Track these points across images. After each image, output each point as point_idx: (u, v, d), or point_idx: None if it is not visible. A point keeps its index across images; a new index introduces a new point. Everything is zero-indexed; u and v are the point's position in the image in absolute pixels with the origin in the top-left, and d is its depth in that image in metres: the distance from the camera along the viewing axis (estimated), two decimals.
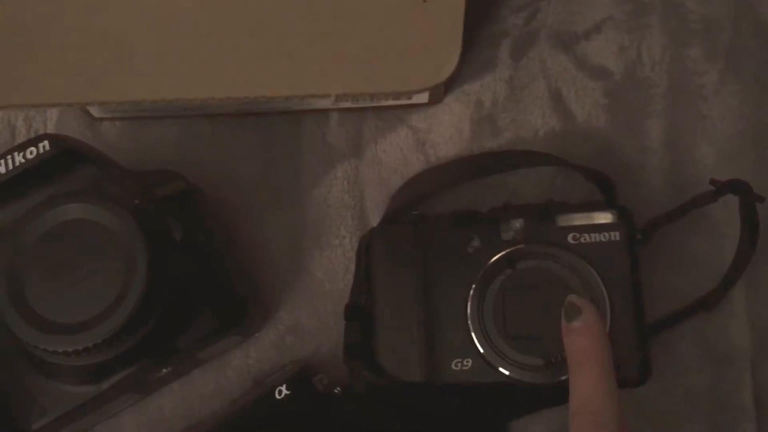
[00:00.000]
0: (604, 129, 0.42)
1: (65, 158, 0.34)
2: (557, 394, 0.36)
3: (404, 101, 0.42)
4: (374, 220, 0.42)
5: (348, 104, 0.41)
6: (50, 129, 0.43)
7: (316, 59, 0.31)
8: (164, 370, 0.37)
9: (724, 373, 0.39)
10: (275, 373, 0.39)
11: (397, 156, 0.42)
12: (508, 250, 0.36)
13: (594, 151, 0.41)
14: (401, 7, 0.32)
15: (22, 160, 0.34)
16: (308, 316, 0.41)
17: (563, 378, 0.34)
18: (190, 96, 0.34)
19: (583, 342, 0.33)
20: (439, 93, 0.42)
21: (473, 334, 0.36)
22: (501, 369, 0.36)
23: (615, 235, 0.36)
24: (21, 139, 0.43)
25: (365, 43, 0.31)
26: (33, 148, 0.34)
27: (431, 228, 0.38)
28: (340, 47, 0.31)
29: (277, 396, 0.37)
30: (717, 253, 0.40)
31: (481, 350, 0.36)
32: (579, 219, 0.37)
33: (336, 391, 0.38)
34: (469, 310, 0.36)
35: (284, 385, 0.37)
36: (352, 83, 0.32)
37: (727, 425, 0.39)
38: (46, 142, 0.34)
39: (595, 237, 0.36)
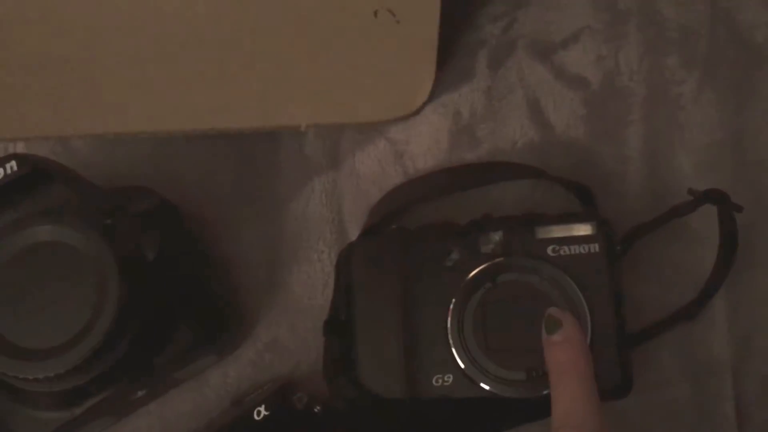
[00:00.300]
0: (582, 139, 0.41)
1: (33, 177, 0.33)
2: (540, 408, 0.35)
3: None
4: (353, 234, 0.41)
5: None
6: (20, 145, 0.42)
7: (285, 88, 0.31)
8: (140, 393, 0.36)
9: (706, 384, 0.39)
10: (254, 392, 0.39)
11: (375, 168, 0.42)
12: (487, 264, 0.36)
13: (573, 162, 0.41)
14: (373, 30, 0.31)
15: None
16: (287, 333, 0.40)
17: (545, 392, 0.34)
18: (155, 128, 0.33)
19: (564, 355, 0.33)
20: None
21: (453, 349, 0.36)
22: (482, 384, 0.35)
23: (594, 247, 0.36)
24: None
25: (336, 70, 0.31)
26: (0, 169, 0.33)
27: (410, 241, 0.37)
28: (310, 74, 0.31)
29: (256, 417, 0.36)
30: (697, 262, 0.40)
31: (462, 365, 0.35)
32: (558, 231, 0.36)
33: (316, 410, 0.37)
34: (449, 325, 0.36)
35: (263, 406, 0.36)
36: (323, 113, 0.31)
37: None
38: (13, 162, 0.33)
39: (575, 249, 0.36)
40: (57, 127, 0.35)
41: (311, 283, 0.41)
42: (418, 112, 0.42)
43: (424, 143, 0.42)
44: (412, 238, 0.37)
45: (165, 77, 0.32)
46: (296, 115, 0.30)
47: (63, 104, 0.34)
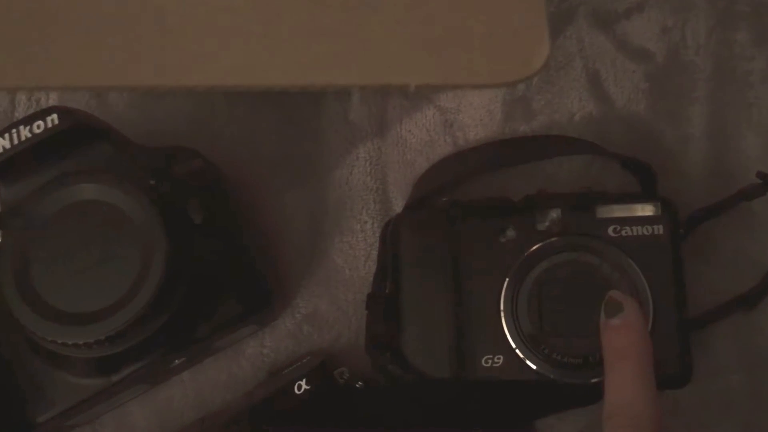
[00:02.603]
0: (643, 115, 0.40)
1: (75, 133, 0.32)
2: (590, 394, 0.34)
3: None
4: (397, 205, 0.40)
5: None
6: (53, 99, 0.40)
7: (392, 45, 0.28)
8: (177, 361, 0.35)
9: (763, 375, 0.38)
10: (291, 365, 0.38)
11: (422, 137, 0.40)
12: (544, 242, 0.35)
13: (633, 139, 0.39)
14: None
15: (29, 135, 0.31)
16: (327, 305, 0.39)
17: (598, 379, 0.33)
18: (207, 83, 0.30)
19: (623, 340, 0.31)
20: None
21: (506, 330, 0.34)
22: (533, 367, 0.34)
23: (658, 229, 0.34)
24: (21, 106, 0.40)
25: (446, 28, 0.28)
26: (41, 122, 0.31)
27: (462, 216, 0.36)
28: (419, 32, 0.28)
29: (297, 391, 0.35)
30: (760, 249, 0.38)
31: (514, 346, 0.34)
32: (620, 210, 0.35)
33: (358, 385, 0.36)
34: (502, 305, 0.34)
35: (304, 380, 0.35)
36: (433, 73, 0.28)
37: (763, 427, 0.38)
38: (54, 116, 0.31)
39: (638, 230, 0.34)
40: (94, 77, 0.32)
41: (353, 254, 0.39)
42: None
43: (476, 113, 0.40)
44: (463, 211, 0.36)
45: (243, 29, 0.30)
46: (404, 74, 0.28)
47: (106, 55, 0.32)
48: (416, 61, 0.28)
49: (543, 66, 0.29)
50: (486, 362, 0.34)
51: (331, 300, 0.39)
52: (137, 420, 0.38)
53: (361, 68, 0.28)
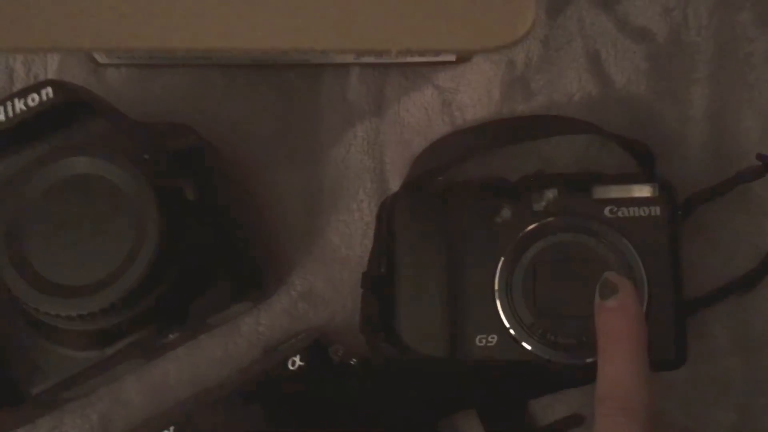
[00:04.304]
0: (644, 96, 0.39)
1: (70, 107, 0.32)
2: (584, 375, 0.34)
3: (430, 58, 0.39)
4: (394, 184, 0.39)
5: (371, 59, 0.39)
6: (51, 74, 0.40)
7: (372, 10, 0.28)
8: (171, 336, 0.35)
9: (759, 358, 0.38)
10: (286, 341, 0.38)
11: (421, 117, 0.40)
12: (540, 222, 0.34)
13: (632, 120, 0.39)
14: None
15: (24, 108, 0.31)
16: (322, 283, 0.39)
17: (593, 360, 0.32)
18: (207, 46, 0.30)
19: (617, 322, 0.31)
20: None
21: (500, 310, 0.34)
22: (528, 347, 0.34)
23: (656, 210, 0.34)
24: (19, 82, 0.40)
25: None
26: (35, 95, 0.31)
27: (458, 196, 0.35)
28: None
29: (291, 367, 0.35)
30: (759, 232, 0.38)
31: (508, 326, 0.34)
32: (617, 191, 0.35)
33: (352, 362, 0.36)
34: (496, 284, 0.34)
35: (298, 356, 0.35)
36: (414, 39, 0.28)
37: (759, 412, 0.37)
38: (49, 89, 0.31)
39: (635, 211, 0.34)
40: (96, 40, 0.32)
41: (349, 232, 0.39)
42: (469, 58, 0.39)
43: (475, 93, 0.40)
44: (460, 191, 0.36)
45: None
46: (386, 39, 0.27)
47: (104, 16, 0.31)
48: (397, 26, 0.28)
49: (528, 32, 0.29)
50: (480, 342, 0.34)
51: (326, 278, 0.39)
52: (132, 395, 0.38)
53: (340, 33, 0.28)
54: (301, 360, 0.35)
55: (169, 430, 0.34)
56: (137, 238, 0.30)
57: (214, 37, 0.29)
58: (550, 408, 0.38)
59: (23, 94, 0.31)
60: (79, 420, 0.38)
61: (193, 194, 0.33)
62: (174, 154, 0.34)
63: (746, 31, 0.39)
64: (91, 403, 0.38)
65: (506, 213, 0.35)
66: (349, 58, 0.38)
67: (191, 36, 0.30)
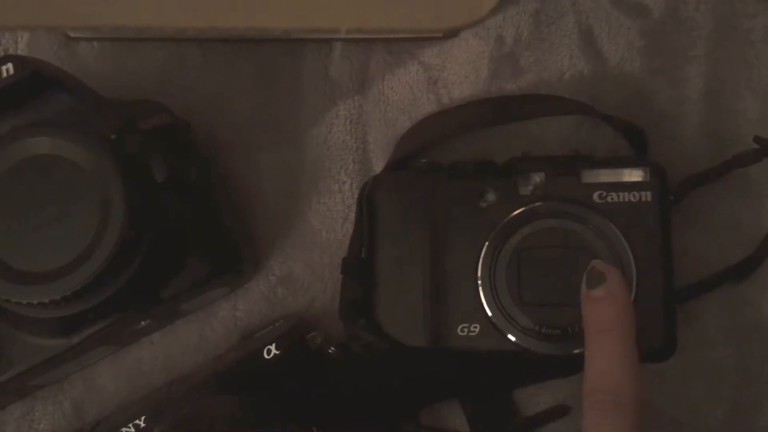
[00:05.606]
0: (638, 74, 0.38)
1: (33, 84, 0.31)
2: (569, 365, 0.33)
3: (415, 34, 0.37)
4: (378, 165, 0.38)
5: (354, 35, 0.37)
6: (21, 48, 0.38)
7: None
8: (143, 323, 0.34)
9: (752, 348, 0.37)
10: (264, 328, 0.36)
11: (405, 95, 0.38)
12: (526, 207, 0.33)
13: (625, 99, 0.38)
14: None
15: None
16: (302, 268, 0.38)
17: (579, 350, 0.31)
18: (177, 24, 0.29)
19: (605, 312, 0.30)
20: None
21: (483, 298, 0.33)
22: (511, 337, 0.33)
23: (646, 196, 0.33)
24: None
25: None
26: None
27: (442, 178, 0.34)
28: None
29: (266, 355, 0.34)
30: (754, 218, 0.37)
31: (491, 315, 0.33)
32: (607, 175, 0.33)
33: (330, 351, 0.35)
34: (479, 271, 0.33)
35: (274, 344, 0.34)
36: (367, 17, 0.26)
37: (751, 403, 0.36)
38: (9, 65, 0.30)
39: (624, 196, 0.33)
40: (64, 17, 0.31)
41: (330, 215, 0.38)
42: (456, 33, 0.38)
43: (462, 70, 0.38)
44: (443, 174, 0.34)
45: None
46: (337, 17, 0.26)
47: None
48: (348, 3, 0.26)
49: (492, 10, 0.27)
50: (462, 331, 0.33)
51: (306, 263, 0.38)
52: (106, 381, 0.37)
53: (289, 10, 0.26)
54: (276, 348, 0.34)
55: (140, 420, 0.33)
56: (102, 222, 0.29)
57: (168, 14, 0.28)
58: (535, 398, 0.37)
59: None
60: (51, 407, 0.37)
61: (162, 175, 0.31)
62: (144, 133, 0.32)
63: (746, 6, 0.38)
64: (64, 390, 0.37)
65: (491, 197, 0.34)
66: (330, 34, 0.37)
67: (158, 14, 0.28)
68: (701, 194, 0.36)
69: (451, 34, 0.38)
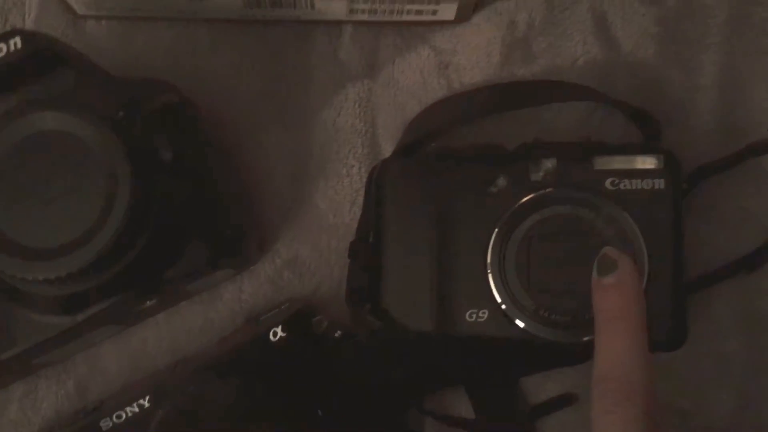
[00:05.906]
0: (652, 62, 0.37)
1: (40, 59, 0.30)
2: (578, 353, 0.33)
3: (427, 17, 0.37)
4: (386, 149, 0.38)
5: (364, 17, 0.37)
6: (29, 25, 0.38)
7: None
8: (148, 303, 0.34)
9: (762, 339, 0.36)
10: (270, 311, 0.36)
11: (416, 79, 0.38)
12: (537, 193, 0.33)
13: (638, 87, 0.37)
14: None
15: None
16: (308, 251, 0.37)
17: (588, 338, 0.31)
18: None
19: (616, 300, 0.29)
20: (468, 10, 0.37)
21: (492, 284, 0.33)
22: (520, 323, 0.32)
23: (659, 183, 0.32)
24: None
25: None
26: (2, 45, 0.29)
27: (452, 163, 0.34)
28: None
29: (272, 338, 0.33)
30: (767, 208, 0.36)
31: (500, 301, 0.33)
32: (619, 162, 0.33)
33: (336, 335, 0.34)
34: (489, 257, 0.33)
35: (280, 327, 0.33)
36: None
37: (760, 393, 0.36)
38: (17, 39, 0.29)
39: (637, 184, 0.32)
40: None
41: (338, 199, 0.38)
42: (468, 17, 0.37)
43: (473, 55, 0.38)
44: (453, 158, 0.34)
45: None
46: None
47: None
48: None
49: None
50: (470, 317, 0.33)
51: (313, 247, 0.37)
52: (109, 362, 0.37)
53: None
54: (282, 331, 0.34)
55: (144, 399, 0.33)
56: (108, 200, 0.28)
57: None
58: (542, 386, 0.36)
59: None
60: (55, 386, 0.37)
61: (169, 154, 0.31)
62: (152, 111, 0.32)
63: None
64: (67, 369, 0.37)
65: (502, 182, 0.33)
66: (342, 15, 0.36)
67: None
68: (714, 184, 0.35)
69: (464, 17, 0.38)
